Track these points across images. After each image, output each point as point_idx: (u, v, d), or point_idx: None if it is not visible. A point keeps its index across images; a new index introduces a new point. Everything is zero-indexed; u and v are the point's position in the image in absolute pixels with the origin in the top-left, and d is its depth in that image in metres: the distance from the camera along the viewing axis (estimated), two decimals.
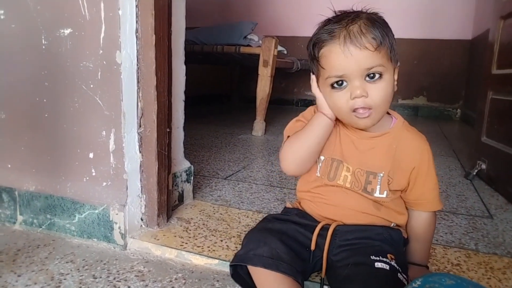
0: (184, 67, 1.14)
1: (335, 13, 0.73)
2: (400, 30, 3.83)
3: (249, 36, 2.61)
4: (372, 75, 0.67)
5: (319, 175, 0.79)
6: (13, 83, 1.04)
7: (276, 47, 2.39)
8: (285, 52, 3.03)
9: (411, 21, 3.80)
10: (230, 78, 4.60)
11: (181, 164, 1.17)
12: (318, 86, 0.76)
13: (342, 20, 0.69)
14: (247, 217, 1.12)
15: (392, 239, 0.75)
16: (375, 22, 0.68)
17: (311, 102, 4.34)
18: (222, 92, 4.65)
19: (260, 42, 2.50)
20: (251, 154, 1.97)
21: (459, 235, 1.06)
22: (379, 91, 0.68)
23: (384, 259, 0.69)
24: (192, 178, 1.21)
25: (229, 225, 1.06)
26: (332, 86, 0.70)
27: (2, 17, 1.01)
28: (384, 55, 0.67)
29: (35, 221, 1.06)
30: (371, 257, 0.69)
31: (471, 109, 3.33)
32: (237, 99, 4.68)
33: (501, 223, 1.15)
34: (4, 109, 1.07)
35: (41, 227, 1.05)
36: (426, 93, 3.92)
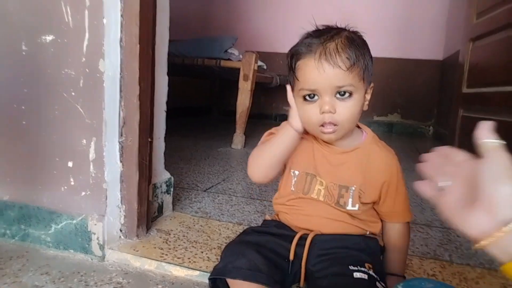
0: (166, 77, 1.14)
1: (318, 27, 0.76)
2: (375, 49, 3.95)
3: (229, 50, 2.64)
4: (342, 93, 0.69)
5: (293, 189, 0.80)
6: None
7: (256, 62, 2.42)
8: (265, 67, 3.07)
9: (386, 41, 3.94)
10: (210, 91, 4.61)
11: (161, 175, 1.16)
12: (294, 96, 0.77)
13: (322, 36, 0.71)
14: (228, 229, 1.12)
15: (369, 248, 0.77)
16: (353, 42, 0.71)
17: None
18: (202, 105, 4.65)
19: (241, 56, 2.53)
20: (231, 166, 1.97)
21: (434, 246, 1.09)
22: (347, 109, 0.70)
23: (362, 269, 0.71)
24: (172, 189, 1.20)
25: (209, 236, 1.05)
26: (304, 98, 0.72)
27: None
28: (356, 76, 0.69)
29: (8, 231, 1.02)
30: (350, 267, 0.71)
31: (443, 127, 3.45)
32: (217, 113, 4.69)
33: None
34: None
35: (14, 238, 1.01)
36: (400, 110, 4.04)
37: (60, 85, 0.95)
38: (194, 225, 1.12)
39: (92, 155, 0.93)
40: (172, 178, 1.20)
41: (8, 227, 1.02)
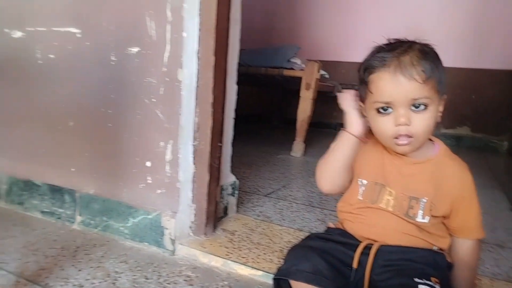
0: (236, 86, 1.20)
1: (389, 41, 0.76)
2: (443, 58, 3.79)
3: (292, 60, 2.68)
4: (417, 105, 0.70)
5: (361, 198, 0.81)
6: (82, 94, 1.15)
7: (319, 71, 2.44)
8: (327, 76, 3.07)
9: (454, 50, 3.75)
10: (270, 99, 4.69)
11: (228, 177, 1.22)
12: (364, 107, 0.78)
13: (395, 50, 0.72)
14: (289, 234, 1.15)
15: (436, 263, 0.76)
16: (427, 55, 0.71)
17: None
18: (262, 113, 4.74)
19: (303, 65, 2.57)
20: (291, 174, 2.00)
21: (506, 268, 1.04)
22: (422, 121, 0.70)
23: (428, 282, 0.70)
24: (236, 192, 1.26)
25: (271, 240, 1.09)
26: (377, 110, 0.73)
27: (78, 35, 1.13)
28: (431, 88, 0.70)
29: (92, 222, 1.14)
30: (415, 279, 0.70)
31: None
32: (277, 120, 4.75)
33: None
34: (72, 118, 1.17)
35: (97, 228, 1.13)
36: (470, 123, 3.81)
37: (142, 92, 1.05)
38: (257, 228, 1.17)
39: (168, 156, 1.02)
40: (237, 181, 1.26)
41: (92, 218, 1.14)
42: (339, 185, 0.82)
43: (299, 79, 2.51)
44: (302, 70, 2.53)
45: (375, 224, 0.79)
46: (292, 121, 2.71)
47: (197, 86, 1.00)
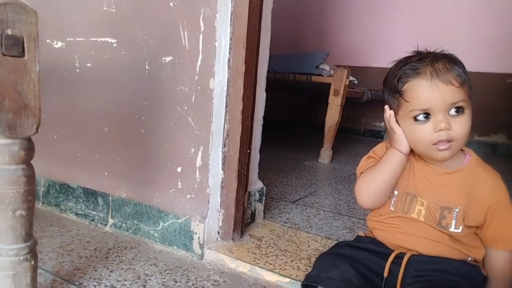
0: (264, 94, 1.22)
1: (417, 52, 0.78)
2: (477, 63, 3.68)
3: (320, 66, 2.67)
4: (456, 109, 0.71)
5: (393, 209, 0.81)
6: (117, 101, 1.20)
7: (347, 77, 2.42)
8: (356, 82, 3.05)
9: (489, 54, 3.63)
10: (296, 105, 4.69)
11: (255, 184, 1.23)
12: (397, 120, 0.79)
13: (425, 58, 0.74)
14: (316, 241, 1.15)
15: (471, 275, 0.74)
16: (456, 61, 0.74)
17: (379, 132, 4.26)
18: (289, 119, 4.74)
19: (332, 71, 2.55)
20: (318, 180, 1.99)
21: None
22: (462, 125, 0.72)
23: None
24: (264, 198, 1.27)
25: (298, 247, 1.10)
26: (415, 119, 0.74)
27: (114, 45, 1.18)
28: (466, 92, 0.72)
29: (123, 225, 1.18)
30: None
31: None
32: (302, 126, 4.73)
33: None
34: (107, 124, 1.22)
35: (128, 231, 1.17)
36: (506, 130, 3.67)
37: (175, 99, 1.08)
38: (284, 235, 1.17)
39: (198, 162, 1.04)
40: (264, 187, 1.27)
41: (124, 221, 1.18)
42: (382, 201, 0.82)
43: (327, 85, 2.50)
44: (330, 76, 2.52)
45: (407, 232, 0.79)
46: (319, 127, 2.70)
47: (228, 94, 1.02)
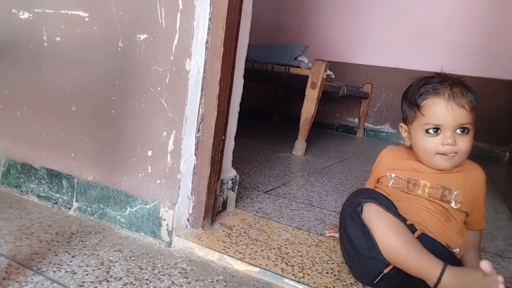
0: (242, 80, 1.19)
1: (438, 74, 0.92)
2: (453, 65, 3.76)
3: (299, 58, 2.66)
4: (462, 129, 0.85)
5: (390, 186, 0.94)
6: (87, 79, 1.14)
7: (325, 71, 2.42)
8: (333, 76, 3.06)
9: (464, 58, 3.73)
10: (274, 96, 4.68)
11: (229, 172, 1.21)
12: (408, 127, 0.93)
13: (446, 81, 0.87)
14: (287, 231, 1.14)
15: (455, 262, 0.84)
16: (471, 88, 0.87)
17: (352, 128, 4.32)
18: (264, 110, 4.72)
19: (310, 64, 2.55)
20: (291, 172, 1.99)
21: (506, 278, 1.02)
22: (466, 143, 0.86)
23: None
24: (236, 187, 1.25)
25: (269, 237, 1.08)
26: (426, 131, 0.87)
27: (86, 19, 1.11)
28: (474, 116, 0.86)
29: (88, 209, 1.12)
30: None
31: None
32: (279, 119, 4.73)
33: None
34: (75, 102, 1.16)
35: (93, 215, 1.12)
36: (478, 134, 3.80)
37: (148, 80, 1.03)
38: (255, 224, 1.16)
39: (170, 146, 1.00)
40: (238, 176, 1.25)
41: (89, 205, 1.12)
42: None
43: (305, 78, 2.49)
44: (308, 68, 2.51)
45: (410, 203, 0.89)
46: (295, 120, 2.70)
47: (204, 77, 0.99)
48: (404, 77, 4.44)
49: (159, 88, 1.01)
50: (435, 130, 0.86)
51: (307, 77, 2.47)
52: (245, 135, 2.95)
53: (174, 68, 0.99)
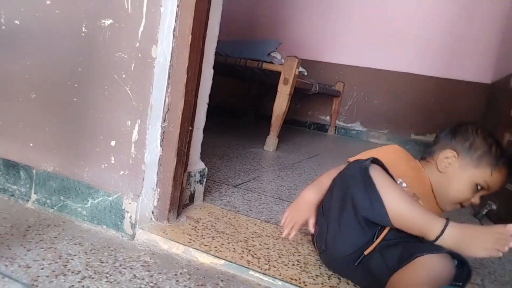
0: (212, 71, 1.17)
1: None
2: (420, 66, 3.87)
3: (272, 54, 2.66)
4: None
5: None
6: (48, 65, 1.08)
7: (298, 67, 2.43)
8: (305, 73, 3.07)
9: (432, 59, 3.84)
10: (247, 93, 4.66)
11: (196, 164, 1.18)
12: (459, 162, 0.94)
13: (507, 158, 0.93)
14: (255, 224, 1.13)
15: None
16: None
17: (324, 126, 4.36)
18: (238, 107, 4.70)
19: (283, 60, 2.55)
20: (262, 167, 1.98)
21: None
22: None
23: None
24: (204, 180, 1.23)
25: (236, 229, 1.07)
26: (476, 184, 0.92)
27: (48, 2, 1.06)
28: None
29: (48, 201, 1.07)
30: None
31: None
32: (252, 115, 4.72)
33: (508, 263, 1.14)
34: (35, 89, 1.10)
35: (53, 208, 1.07)
36: (440, 131, 3.92)
37: (112, 67, 0.99)
38: (223, 217, 1.14)
39: (134, 136, 0.97)
40: (206, 169, 1.22)
41: (48, 197, 1.07)
42: None
43: (277, 74, 2.49)
44: (281, 65, 2.51)
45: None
46: (267, 116, 2.69)
47: (171, 65, 0.96)
48: (375, 76, 4.51)
49: (123, 76, 0.98)
50: (479, 188, 0.92)
51: (279, 73, 2.47)
52: (218, 130, 2.93)
53: (139, 55, 0.96)
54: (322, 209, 0.91)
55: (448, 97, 3.84)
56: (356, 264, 0.81)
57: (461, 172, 0.92)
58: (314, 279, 0.86)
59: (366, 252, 0.80)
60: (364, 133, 4.21)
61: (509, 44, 3.11)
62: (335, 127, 4.31)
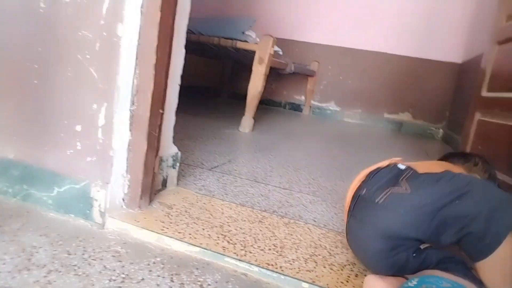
0: (184, 51, 1.11)
1: None
2: (393, 45, 3.89)
3: (247, 32, 2.59)
4: None
5: None
6: (4, 45, 1.00)
7: (273, 46, 2.38)
8: (281, 53, 3.03)
9: (404, 39, 3.87)
10: (221, 73, 4.58)
11: (169, 148, 1.14)
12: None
13: None
14: (230, 209, 1.11)
15: None
16: None
17: (299, 106, 4.36)
18: (212, 86, 4.62)
19: (258, 39, 2.49)
20: (237, 148, 1.95)
21: None
22: None
23: None
24: (178, 164, 1.19)
25: (211, 215, 1.04)
26: None
27: None
28: None
29: (10, 190, 1.01)
30: None
31: (454, 130, 3.40)
32: (226, 95, 4.66)
33: None
34: None
35: (15, 197, 1.01)
36: (412, 110, 3.99)
37: (75, 46, 0.92)
38: (197, 202, 1.11)
39: (101, 120, 0.91)
40: (179, 153, 1.18)
41: (10, 186, 1.01)
42: None
43: (252, 53, 2.44)
44: (256, 44, 2.46)
45: None
46: (242, 97, 2.65)
47: (139, 44, 0.90)
48: (350, 56, 4.51)
49: (88, 56, 0.91)
50: None
51: (254, 52, 2.41)
52: (191, 111, 2.86)
53: (104, 33, 0.89)
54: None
55: (420, 77, 3.90)
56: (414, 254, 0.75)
57: None
58: (291, 264, 0.85)
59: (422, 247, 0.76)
60: (339, 113, 4.24)
61: (479, 25, 3.15)
62: (310, 106, 4.31)
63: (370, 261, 0.82)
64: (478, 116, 1.60)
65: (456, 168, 0.91)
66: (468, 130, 1.66)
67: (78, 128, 0.94)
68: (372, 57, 3.97)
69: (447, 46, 3.78)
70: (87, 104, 0.92)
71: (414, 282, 0.48)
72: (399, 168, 0.81)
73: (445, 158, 1.07)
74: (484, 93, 1.58)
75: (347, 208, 0.86)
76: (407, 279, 0.69)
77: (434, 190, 0.72)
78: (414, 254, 0.74)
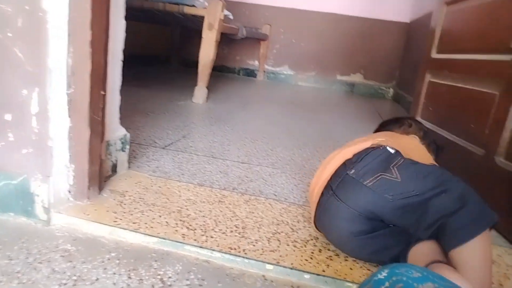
0: (124, 22, 1.01)
1: None
2: (342, 6, 3.86)
3: None
4: None
5: None
6: None
7: (223, 11, 2.27)
8: (231, 17, 2.90)
9: (358, 0, 3.85)
10: (169, 39, 4.36)
11: (116, 131, 1.06)
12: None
13: None
14: (188, 190, 1.06)
15: None
16: None
17: (253, 71, 4.28)
18: (160, 54, 4.40)
19: (206, 3, 2.36)
20: (192, 122, 1.88)
21: None
22: None
23: None
24: (127, 146, 1.11)
25: (168, 199, 0.99)
26: None
27: None
28: None
29: None
30: None
31: (404, 90, 3.50)
32: (176, 63, 4.46)
33: None
34: None
35: None
36: (363, 71, 4.04)
37: None
38: (152, 186, 1.05)
39: (34, 107, 0.81)
40: (128, 134, 1.10)
41: None
42: None
43: (201, 19, 2.31)
44: (204, 8, 2.32)
45: None
46: (193, 64, 2.54)
47: (70, 19, 0.79)
48: (302, 18, 4.45)
49: (9, 34, 0.79)
50: None
51: (203, 17, 2.29)
52: (139, 84, 2.71)
53: (27, 7, 0.77)
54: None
55: (371, 37, 3.93)
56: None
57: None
58: (254, 245, 0.83)
59: None
60: (293, 77, 4.22)
61: None
62: (264, 71, 4.25)
63: (344, 241, 0.81)
64: (428, 77, 1.63)
65: (396, 135, 0.99)
66: (419, 91, 1.69)
67: (8, 117, 0.83)
68: (324, 19, 3.92)
69: (396, 5, 3.81)
70: (15, 90, 0.81)
71: (384, 273, 0.47)
72: (389, 152, 0.81)
73: (381, 127, 1.14)
74: (434, 54, 1.60)
75: (324, 185, 0.84)
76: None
77: (423, 184, 0.74)
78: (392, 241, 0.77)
